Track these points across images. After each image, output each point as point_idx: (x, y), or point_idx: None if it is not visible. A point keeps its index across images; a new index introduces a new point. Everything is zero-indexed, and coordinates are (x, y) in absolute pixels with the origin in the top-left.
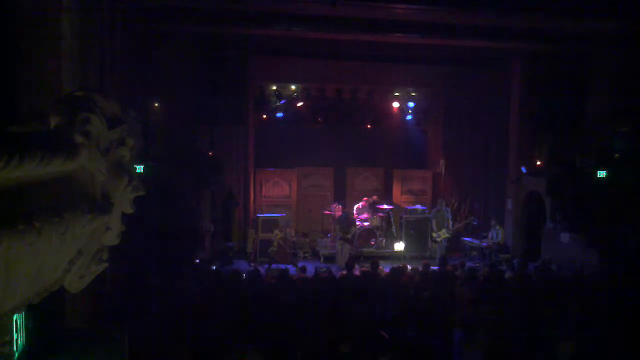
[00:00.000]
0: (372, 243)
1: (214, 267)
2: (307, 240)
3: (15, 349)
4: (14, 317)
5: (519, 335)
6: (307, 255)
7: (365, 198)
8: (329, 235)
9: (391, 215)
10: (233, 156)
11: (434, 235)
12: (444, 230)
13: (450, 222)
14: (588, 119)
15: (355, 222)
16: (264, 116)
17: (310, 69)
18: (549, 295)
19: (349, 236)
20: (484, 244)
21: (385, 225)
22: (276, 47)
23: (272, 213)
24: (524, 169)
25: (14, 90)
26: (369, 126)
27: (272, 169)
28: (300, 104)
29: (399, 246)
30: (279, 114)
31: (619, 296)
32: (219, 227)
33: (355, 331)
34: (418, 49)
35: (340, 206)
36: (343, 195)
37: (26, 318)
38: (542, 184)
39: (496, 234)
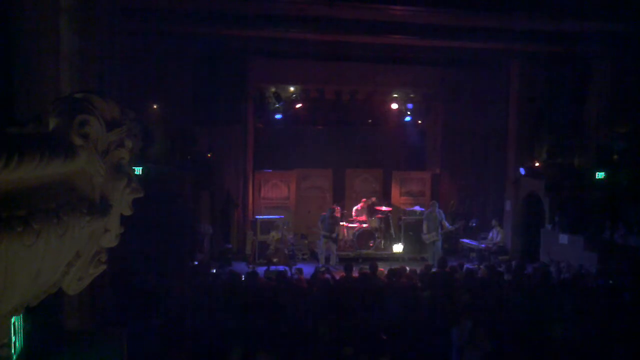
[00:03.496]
0: (371, 244)
1: (214, 270)
2: (306, 242)
3: (13, 351)
4: (12, 320)
5: (517, 336)
6: (305, 256)
7: (364, 199)
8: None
9: (390, 217)
10: (232, 158)
11: (424, 237)
12: (433, 233)
13: (446, 224)
14: (587, 120)
15: (339, 222)
16: (263, 118)
17: (309, 70)
18: (548, 296)
19: (334, 235)
20: (483, 246)
21: (384, 226)
22: (275, 49)
23: (271, 215)
24: (522, 170)
25: (12, 91)
26: (367, 127)
27: (271, 171)
28: (299, 105)
29: (398, 248)
30: (278, 116)
31: (618, 297)
32: (217, 229)
33: (354, 333)
34: (417, 50)
35: (338, 207)
36: (342, 197)
37: (24, 320)
38: (541, 185)
39: (496, 235)
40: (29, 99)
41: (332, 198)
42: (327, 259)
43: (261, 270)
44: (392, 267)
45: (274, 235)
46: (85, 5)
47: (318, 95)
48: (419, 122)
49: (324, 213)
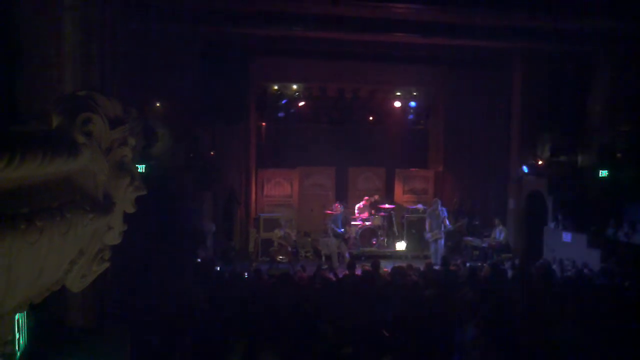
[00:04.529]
0: (374, 242)
1: (218, 268)
2: (309, 239)
3: (17, 348)
4: (16, 317)
5: (521, 334)
6: (308, 254)
7: (366, 197)
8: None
9: (393, 215)
10: (235, 156)
11: (427, 235)
12: (436, 231)
13: (447, 222)
14: (589, 118)
15: (350, 222)
16: (266, 116)
17: (312, 68)
18: (551, 294)
19: (345, 236)
20: (486, 244)
21: (386, 224)
22: (278, 47)
23: (273, 212)
24: (525, 169)
25: (16, 89)
26: (370, 125)
27: (273, 169)
28: (301, 103)
29: (401, 246)
30: (281, 114)
31: (621, 295)
32: (220, 227)
33: (356, 331)
34: (419, 48)
35: (340, 205)
36: (345, 195)
37: (28, 317)
38: (544, 183)
39: (499, 234)
40: (32, 97)
41: (334, 196)
42: (329, 257)
43: (264, 267)
44: (396, 266)
45: (277, 233)
46: (87, 4)
47: (320, 93)
48: (422, 120)
49: (329, 211)
